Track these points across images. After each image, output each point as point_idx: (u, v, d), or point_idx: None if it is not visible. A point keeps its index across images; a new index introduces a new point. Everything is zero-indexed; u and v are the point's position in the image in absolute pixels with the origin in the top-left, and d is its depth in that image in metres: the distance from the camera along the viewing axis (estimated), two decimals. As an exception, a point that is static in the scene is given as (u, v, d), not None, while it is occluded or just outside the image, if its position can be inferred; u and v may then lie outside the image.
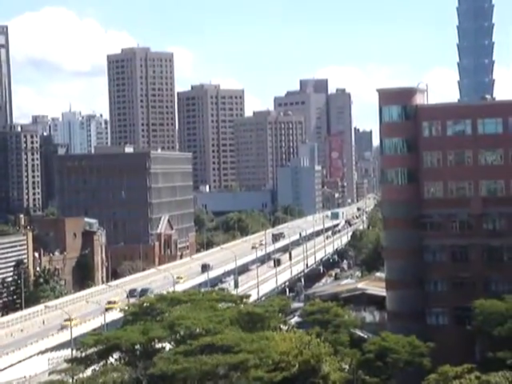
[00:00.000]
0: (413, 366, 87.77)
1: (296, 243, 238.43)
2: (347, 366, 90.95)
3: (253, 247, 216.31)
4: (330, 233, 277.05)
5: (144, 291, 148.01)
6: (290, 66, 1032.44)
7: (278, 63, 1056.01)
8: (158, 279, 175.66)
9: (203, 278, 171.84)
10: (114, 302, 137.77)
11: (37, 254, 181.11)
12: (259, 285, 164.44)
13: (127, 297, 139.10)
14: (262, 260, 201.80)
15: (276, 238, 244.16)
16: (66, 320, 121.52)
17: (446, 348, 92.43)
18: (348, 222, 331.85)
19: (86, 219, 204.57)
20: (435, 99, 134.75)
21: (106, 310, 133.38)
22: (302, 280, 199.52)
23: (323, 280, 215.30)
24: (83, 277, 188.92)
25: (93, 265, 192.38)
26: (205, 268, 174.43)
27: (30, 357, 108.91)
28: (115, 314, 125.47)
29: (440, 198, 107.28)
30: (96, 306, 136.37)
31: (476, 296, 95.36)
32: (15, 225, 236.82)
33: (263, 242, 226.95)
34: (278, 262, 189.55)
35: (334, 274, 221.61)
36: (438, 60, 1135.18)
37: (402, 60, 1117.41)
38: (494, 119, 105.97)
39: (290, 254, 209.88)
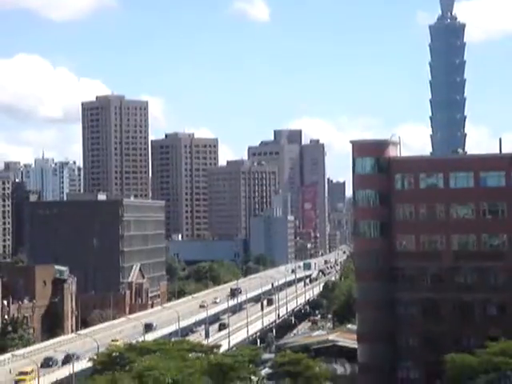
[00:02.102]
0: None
1: (268, 293, 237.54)
2: None
3: (201, 306, 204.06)
4: (302, 283, 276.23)
5: (68, 358, 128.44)
6: (264, 116, 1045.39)
7: (252, 113, 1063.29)
8: (127, 328, 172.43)
9: (174, 327, 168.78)
10: (27, 373, 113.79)
11: (5, 302, 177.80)
12: (230, 335, 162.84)
13: (41, 366, 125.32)
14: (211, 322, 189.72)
15: (234, 293, 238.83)
16: (20, 373, 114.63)
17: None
18: (322, 272, 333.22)
19: (57, 267, 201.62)
20: (408, 152, 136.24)
21: (16, 382, 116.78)
22: (274, 331, 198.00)
23: (294, 331, 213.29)
24: (52, 325, 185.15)
25: (62, 313, 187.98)
26: (148, 327, 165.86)
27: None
28: (83, 364, 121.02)
29: (412, 251, 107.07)
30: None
31: (447, 350, 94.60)
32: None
33: (217, 300, 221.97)
34: (223, 326, 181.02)
35: (309, 325, 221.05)
36: (410, 114, 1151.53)
37: (375, 113, 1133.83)
38: (466, 173, 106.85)
39: (262, 304, 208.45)
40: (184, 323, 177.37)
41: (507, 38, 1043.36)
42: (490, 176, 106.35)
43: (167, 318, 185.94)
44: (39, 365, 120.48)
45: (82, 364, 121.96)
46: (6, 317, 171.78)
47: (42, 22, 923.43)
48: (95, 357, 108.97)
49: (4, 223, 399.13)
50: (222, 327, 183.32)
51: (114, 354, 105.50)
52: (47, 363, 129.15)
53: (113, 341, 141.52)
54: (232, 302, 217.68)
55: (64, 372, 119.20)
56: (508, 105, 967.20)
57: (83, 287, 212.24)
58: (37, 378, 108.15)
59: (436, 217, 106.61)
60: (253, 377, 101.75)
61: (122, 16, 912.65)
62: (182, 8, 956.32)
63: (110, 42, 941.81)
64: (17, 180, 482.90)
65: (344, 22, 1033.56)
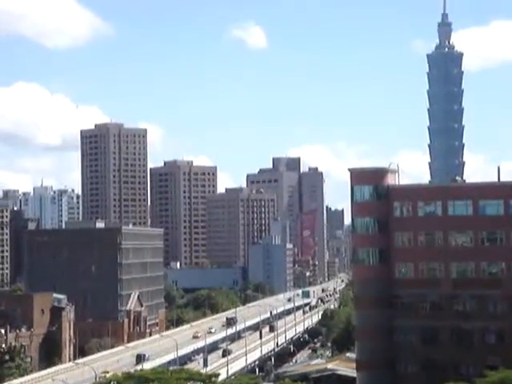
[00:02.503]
0: None
1: (267, 321, 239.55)
2: None
3: (194, 337, 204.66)
4: (301, 311, 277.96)
5: None
6: (262, 144, 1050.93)
7: (250, 141, 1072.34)
8: (126, 356, 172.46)
9: (172, 355, 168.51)
10: None
11: (3, 331, 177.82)
12: (229, 363, 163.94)
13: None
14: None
15: (229, 322, 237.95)
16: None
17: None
18: (321, 300, 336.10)
19: (55, 295, 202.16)
20: (406, 180, 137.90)
21: None
22: (273, 359, 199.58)
23: (294, 359, 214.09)
24: (50, 354, 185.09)
25: (60, 342, 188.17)
26: (139, 359, 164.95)
27: None
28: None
29: (411, 279, 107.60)
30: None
31: (446, 379, 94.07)
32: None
33: (212, 330, 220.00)
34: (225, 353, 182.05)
35: (308, 352, 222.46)
36: (408, 141, 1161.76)
37: (373, 140, 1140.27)
38: (464, 201, 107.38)
39: (261, 332, 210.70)
40: (182, 352, 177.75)
41: (504, 66, 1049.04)
42: (488, 204, 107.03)
43: (166, 346, 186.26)
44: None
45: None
46: (4, 346, 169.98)
47: (39, 49, 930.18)
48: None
49: (2, 251, 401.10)
50: (225, 353, 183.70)
51: (111, 383, 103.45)
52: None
53: (103, 372, 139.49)
54: (230, 331, 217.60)
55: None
56: (506, 133, 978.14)
57: (81, 315, 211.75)
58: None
59: (435, 244, 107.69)
60: None
61: (118, 44, 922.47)
62: (179, 36, 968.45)
63: (106, 69, 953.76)
64: (15, 208, 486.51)
65: (342, 49, 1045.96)
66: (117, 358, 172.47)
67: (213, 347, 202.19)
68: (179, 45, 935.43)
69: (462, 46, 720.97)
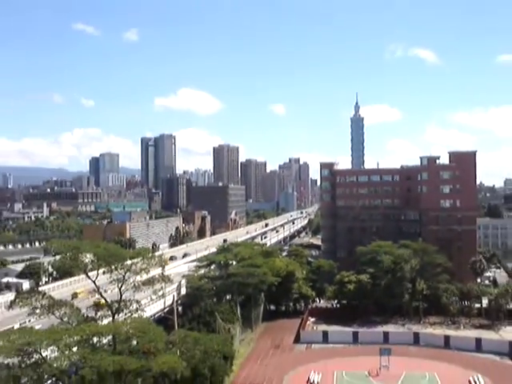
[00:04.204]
0: (332, 273, 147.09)
1: (286, 223, 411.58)
2: (304, 272, 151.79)
3: (256, 229, 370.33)
4: (300, 219, 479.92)
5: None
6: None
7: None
8: (233, 236, 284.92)
9: (248, 236, 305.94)
10: None
11: (184, 225, 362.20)
12: (270, 239, 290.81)
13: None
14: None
15: (266, 224, 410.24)
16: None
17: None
18: (308, 214, 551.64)
19: (202, 211, 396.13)
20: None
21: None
22: (288, 238, 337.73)
23: (297, 238, 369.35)
24: (201, 235, 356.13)
25: (205, 230, 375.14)
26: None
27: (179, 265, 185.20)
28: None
29: (342, 206, 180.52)
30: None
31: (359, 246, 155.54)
32: (175, 212, 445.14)
33: (264, 225, 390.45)
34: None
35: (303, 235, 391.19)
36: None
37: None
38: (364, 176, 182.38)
39: (283, 227, 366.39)
40: (253, 234, 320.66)
41: None
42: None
43: (243, 232, 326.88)
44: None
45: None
46: (182, 231, 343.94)
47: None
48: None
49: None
50: (276, 231, 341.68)
51: (225, 246, 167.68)
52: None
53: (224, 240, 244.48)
54: (268, 227, 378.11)
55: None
56: None
57: (211, 220, 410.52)
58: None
59: (352, 192, 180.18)
60: (280, 256, 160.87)
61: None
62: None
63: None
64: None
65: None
66: (229, 234, 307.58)
67: (263, 232, 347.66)
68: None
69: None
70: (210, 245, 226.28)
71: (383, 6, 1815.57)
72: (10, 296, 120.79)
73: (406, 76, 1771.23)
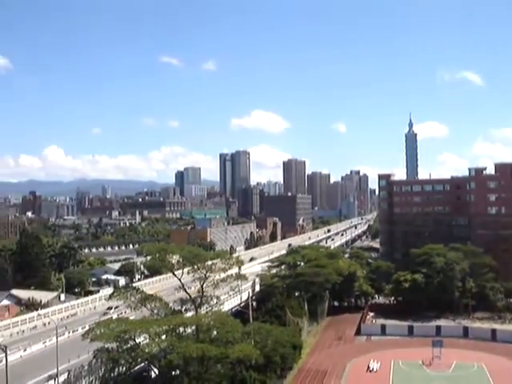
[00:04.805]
0: (389, 273, 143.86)
1: (348, 228, 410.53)
2: (364, 272, 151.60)
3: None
4: (361, 224, 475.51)
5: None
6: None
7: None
8: (300, 240, 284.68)
9: (315, 239, 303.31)
10: None
11: (257, 229, 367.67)
12: (334, 242, 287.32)
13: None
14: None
15: (329, 230, 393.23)
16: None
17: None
18: (368, 221, 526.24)
19: (274, 218, 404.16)
20: None
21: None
22: (350, 241, 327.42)
23: (358, 241, 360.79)
24: (272, 239, 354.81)
25: (276, 234, 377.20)
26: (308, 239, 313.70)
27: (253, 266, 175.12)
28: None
29: (398, 213, 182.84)
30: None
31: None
32: (249, 218, 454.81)
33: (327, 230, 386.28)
34: None
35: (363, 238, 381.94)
36: None
37: None
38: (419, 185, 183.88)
39: (345, 232, 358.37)
40: (319, 238, 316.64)
41: None
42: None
43: (309, 236, 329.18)
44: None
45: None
46: (256, 235, 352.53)
47: None
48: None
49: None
50: (342, 235, 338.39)
51: (293, 249, 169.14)
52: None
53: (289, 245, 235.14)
54: (330, 233, 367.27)
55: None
56: None
57: (282, 225, 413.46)
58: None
59: (408, 200, 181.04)
60: (342, 258, 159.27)
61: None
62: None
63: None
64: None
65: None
66: (301, 237, 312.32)
67: (328, 236, 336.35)
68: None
69: None
70: (274, 250, 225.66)
71: (434, 34, 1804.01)
72: (109, 290, 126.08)
73: (454, 96, 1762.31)
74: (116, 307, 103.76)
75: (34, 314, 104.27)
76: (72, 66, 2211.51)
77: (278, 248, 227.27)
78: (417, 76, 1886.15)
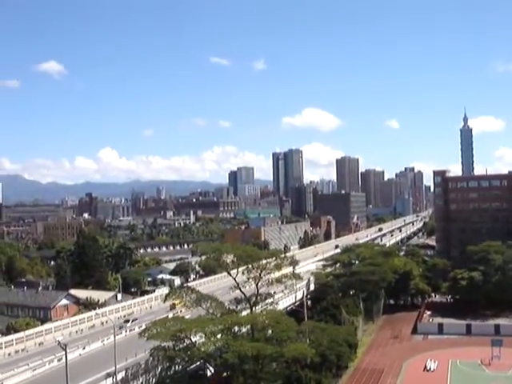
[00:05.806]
0: (446, 271, 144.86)
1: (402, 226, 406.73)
2: (420, 270, 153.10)
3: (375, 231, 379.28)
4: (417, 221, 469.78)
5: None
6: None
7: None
8: (356, 237, 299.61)
9: (371, 236, 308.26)
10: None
11: (311, 228, 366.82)
12: (389, 240, 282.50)
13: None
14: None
15: (380, 229, 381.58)
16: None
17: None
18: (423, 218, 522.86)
19: (328, 216, 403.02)
20: None
21: None
22: (405, 239, 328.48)
23: (414, 239, 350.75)
24: (327, 237, 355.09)
25: (330, 233, 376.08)
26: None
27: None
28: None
29: (454, 209, 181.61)
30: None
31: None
32: (303, 217, 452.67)
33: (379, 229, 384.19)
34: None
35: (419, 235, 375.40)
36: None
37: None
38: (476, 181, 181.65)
39: (401, 229, 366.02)
40: (372, 236, 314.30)
41: None
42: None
43: (365, 234, 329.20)
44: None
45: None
46: (310, 234, 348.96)
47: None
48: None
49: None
50: (398, 232, 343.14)
51: (347, 247, 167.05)
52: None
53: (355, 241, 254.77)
54: (382, 232, 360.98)
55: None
56: None
57: (336, 224, 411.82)
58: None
59: (464, 196, 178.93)
60: (398, 256, 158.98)
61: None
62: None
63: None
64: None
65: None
66: (355, 235, 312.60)
67: (382, 235, 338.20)
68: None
69: None
70: (319, 252, 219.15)
71: (485, 25, 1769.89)
72: (164, 290, 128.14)
73: (509, 88, 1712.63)
74: (134, 320, 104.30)
75: (92, 313, 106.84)
76: (124, 70, 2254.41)
77: (319, 251, 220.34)
78: (469, 68, 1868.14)
